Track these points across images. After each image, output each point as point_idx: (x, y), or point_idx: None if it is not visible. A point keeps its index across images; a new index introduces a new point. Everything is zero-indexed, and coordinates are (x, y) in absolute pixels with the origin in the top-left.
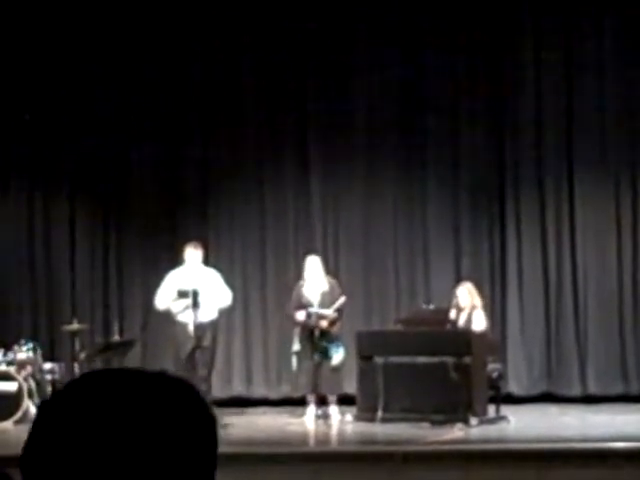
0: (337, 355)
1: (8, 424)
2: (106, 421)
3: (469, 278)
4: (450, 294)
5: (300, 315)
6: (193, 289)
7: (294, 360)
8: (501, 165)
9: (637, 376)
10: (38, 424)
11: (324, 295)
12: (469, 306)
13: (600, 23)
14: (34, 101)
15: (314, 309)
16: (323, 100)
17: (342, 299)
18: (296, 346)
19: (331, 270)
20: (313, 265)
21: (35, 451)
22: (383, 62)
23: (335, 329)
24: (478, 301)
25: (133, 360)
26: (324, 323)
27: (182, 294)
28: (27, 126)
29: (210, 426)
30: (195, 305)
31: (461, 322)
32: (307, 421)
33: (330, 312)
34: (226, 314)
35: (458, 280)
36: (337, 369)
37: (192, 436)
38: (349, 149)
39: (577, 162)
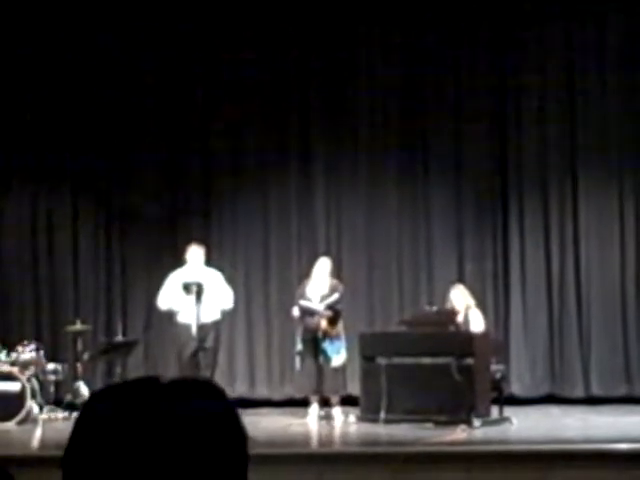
0: (337, 357)
1: (11, 424)
2: (144, 426)
3: (471, 279)
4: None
5: (294, 311)
6: (197, 282)
7: (297, 360)
8: (504, 165)
9: None
10: (80, 428)
11: (323, 297)
12: (464, 307)
13: (603, 19)
14: (35, 101)
15: (304, 303)
16: (325, 100)
17: (334, 297)
18: (299, 346)
19: (335, 272)
20: (322, 266)
21: (76, 455)
22: (385, 65)
23: (335, 330)
24: (471, 301)
25: (136, 361)
26: (323, 323)
27: (186, 287)
28: (29, 126)
29: (239, 427)
30: (198, 298)
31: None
32: (310, 422)
33: (320, 307)
34: (229, 315)
35: (460, 281)
36: (338, 370)
37: (225, 436)
38: (352, 150)
39: (580, 162)
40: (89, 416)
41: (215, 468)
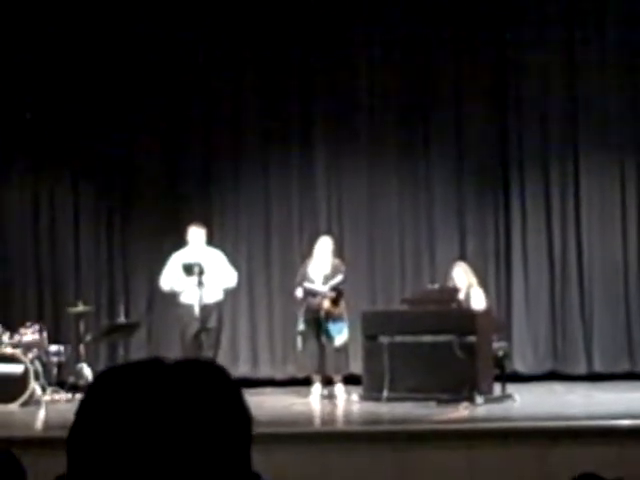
0: (340, 336)
1: (14, 406)
2: (148, 407)
3: (473, 257)
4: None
5: (298, 292)
6: (198, 262)
7: (299, 340)
8: (505, 145)
9: None
10: (85, 408)
11: (326, 277)
12: (466, 285)
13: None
14: (36, 87)
15: (309, 285)
16: (326, 79)
17: (338, 278)
18: (301, 326)
19: (336, 251)
20: (324, 246)
21: (81, 436)
22: (384, 43)
23: (338, 310)
24: (473, 279)
25: (138, 342)
26: (326, 303)
27: (187, 268)
28: (30, 110)
29: (243, 408)
30: (200, 279)
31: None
32: (313, 401)
33: (324, 289)
34: (231, 294)
35: (462, 259)
36: (340, 350)
37: (229, 416)
38: (353, 129)
39: (581, 141)
40: (93, 397)
41: (219, 448)
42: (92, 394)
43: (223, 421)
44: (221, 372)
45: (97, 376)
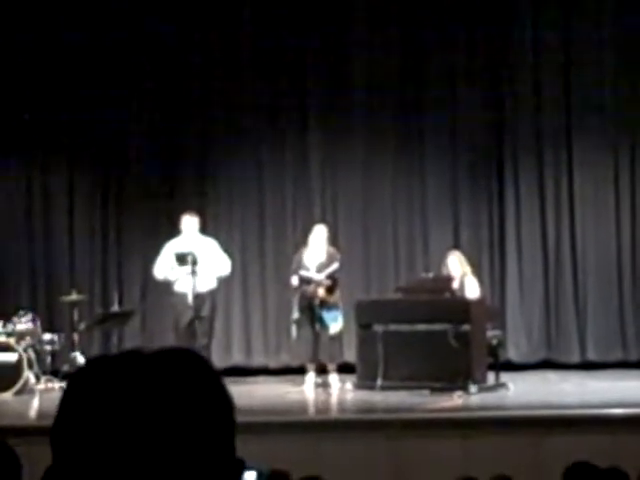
0: (334, 324)
1: (8, 395)
2: (130, 398)
3: (468, 246)
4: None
5: (294, 280)
6: (190, 252)
7: (293, 328)
8: (499, 134)
9: (636, 342)
10: (67, 400)
11: (321, 265)
12: (460, 274)
13: None
14: (31, 73)
15: (305, 273)
16: (322, 69)
17: (334, 266)
18: (296, 314)
19: (331, 239)
20: (318, 234)
21: (64, 426)
22: (382, 31)
23: (333, 298)
24: (468, 268)
25: (132, 330)
26: (321, 291)
27: (180, 258)
28: (23, 95)
29: (225, 395)
30: (193, 266)
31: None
32: (307, 389)
33: (320, 277)
34: (225, 283)
35: (456, 247)
36: (335, 338)
37: (211, 404)
38: (348, 118)
39: (575, 131)
40: (74, 390)
41: (201, 436)
42: (72, 387)
43: (204, 408)
44: (200, 360)
45: (77, 370)
